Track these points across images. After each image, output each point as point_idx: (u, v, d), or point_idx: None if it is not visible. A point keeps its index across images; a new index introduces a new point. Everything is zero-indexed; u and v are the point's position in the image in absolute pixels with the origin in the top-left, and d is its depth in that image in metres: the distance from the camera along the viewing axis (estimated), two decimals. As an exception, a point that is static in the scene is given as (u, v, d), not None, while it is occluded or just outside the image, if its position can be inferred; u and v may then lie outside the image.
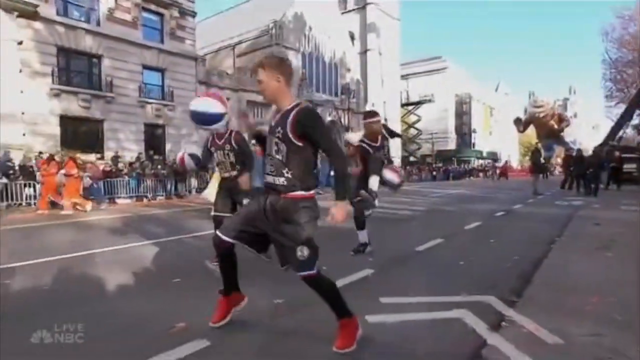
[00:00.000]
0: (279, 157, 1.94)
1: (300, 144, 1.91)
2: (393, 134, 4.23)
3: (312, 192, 1.99)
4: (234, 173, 3.65)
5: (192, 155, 3.86)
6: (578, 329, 2.21)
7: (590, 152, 15.51)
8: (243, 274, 2.72)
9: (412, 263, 3.83)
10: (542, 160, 13.41)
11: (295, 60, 25.92)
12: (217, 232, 2.11)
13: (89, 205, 9.83)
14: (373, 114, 4.15)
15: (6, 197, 10.49)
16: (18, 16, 13.71)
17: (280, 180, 1.94)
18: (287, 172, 1.93)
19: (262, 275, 3.08)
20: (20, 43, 13.85)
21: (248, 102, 22.77)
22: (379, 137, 4.10)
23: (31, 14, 13.99)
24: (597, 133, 59.18)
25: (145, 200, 13.21)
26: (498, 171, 29.63)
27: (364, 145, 4.09)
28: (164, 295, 2.95)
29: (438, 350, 2.01)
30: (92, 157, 13.00)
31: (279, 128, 1.94)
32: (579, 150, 14.17)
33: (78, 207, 9.70)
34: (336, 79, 29.95)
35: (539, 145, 13.13)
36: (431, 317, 2.43)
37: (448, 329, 2.27)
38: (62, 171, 9.81)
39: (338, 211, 1.92)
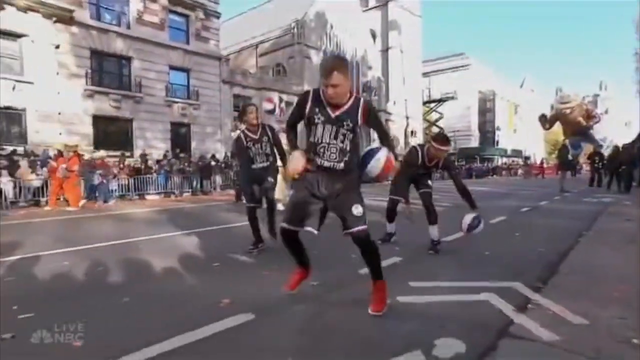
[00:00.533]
0: (343, 145, 2.24)
1: (359, 130, 2.28)
2: (446, 168, 4.09)
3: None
4: (268, 163, 3.96)
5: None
6: (603, 312, 2.29)
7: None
8: (282, 260, 2.93)
9: (438, 253, 3.94)
10: (570, 157, 13.10)
11: (316, 58, 26.12)
12: (282, 225, 2.35)
13: (80, 202, 9.64)
14: (446, 142, 3.89)
15: (46, 192, 11.12)
16: (55, 21, 14.45)
17: (340, 166, 2.25)
18: (346, 158, 2.25)
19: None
20: (57, 47, 14.59)
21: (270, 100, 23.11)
22: (435, 162, 3.96)
23: (67, 19, 14.72)
24: (630, 130, 56.80)
25: (172, 196, 13.70)
26: (535, 170, 27.96)
27: (420, 158, 3.97)
28: (206, 277, 3.19)
29: (467, 327, 2.14)
30: (102, 153, 12.87)
31: (348, 120, 2.21)
32: (616, 147, 13.70)
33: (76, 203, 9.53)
34: (358, 76, 29.97)
35: (567, 141, 12.83)
36: (459, 299, 2.56)
37: (476, 310, 2.40)
38: (63, 165, 9.57)
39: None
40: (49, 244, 4.58)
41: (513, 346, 1.90)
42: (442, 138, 3.93)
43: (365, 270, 3.21)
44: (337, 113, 2.22)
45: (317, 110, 2.23)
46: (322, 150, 2.25)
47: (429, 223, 3.98)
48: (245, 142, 3.94)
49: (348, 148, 2.24)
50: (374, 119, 2.33)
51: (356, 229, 2.23)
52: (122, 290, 2.80)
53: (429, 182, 4.13)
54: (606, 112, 74.62)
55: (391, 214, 4.31)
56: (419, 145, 4.21)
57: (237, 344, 2.00)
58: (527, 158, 27.73)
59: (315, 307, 2.49)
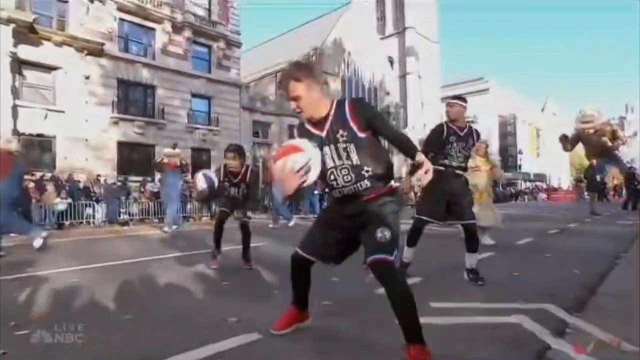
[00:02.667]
0: (350, 162, 1.79)
1: (366, 135, 1.78)
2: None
3: (392, 184, 1.87)
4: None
5: (205, 176, 3.98)
6: (655, 338, 2.01)
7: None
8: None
9: (462, 273, 3.68)
10: (598, 178, 12.50)
11: (334, 85, 26.57)
12: (297, 249, 2.03)
13: None
14: (456, 97, 3.46)
15: (70, 216, 11.36)
16: (87, 54, 15.29)
17: (364, 184, 1.79)
18: (367, 172, 1.79)
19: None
20: (87, 77, 15.37)
21: (289, 126, 23.47)
22: (467, 124, 3.38)
23: (98, 52, 15.55)
24: (661, 153, 54.42)
25: (191, 220, 13.76)
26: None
27: (450, 127, 3.31)
28: (214, 295, 3.06)
29: (497, 351, 1.91)
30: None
31: (340, 131, 1.78)
32: None
33: None
34: (376, 102, 30.22)
35: (594, 162, 12.27)
36: (486, 321, 2.32)
37: (505, 333, 2.15)
38: None
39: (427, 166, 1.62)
40: (62, 262, 4.57)
41: (552, 373, 1.66)
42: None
43: (382, 290, 3.01)
44: (324, 133, 1.82)
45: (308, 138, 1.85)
46: (337, 175, 1.82)
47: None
48: (221, 179, 4.07)
49: (361, 162, 1.77)
50: (373, 118, 1.79)
51: (373, 257, 1.71)
52: (128, 307, 2.69)
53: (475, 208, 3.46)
54: (634, 134, 72.06)
55: (414, 235, 3.45)
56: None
57: (241, 364, 1.84)
58: (579, 181, 26.36)
59: (325, 327, 2.29)
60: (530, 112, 50.14)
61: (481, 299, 2.78)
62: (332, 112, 1.82)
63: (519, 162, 44.93)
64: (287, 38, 33.20)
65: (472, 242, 3.28)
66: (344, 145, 1.78)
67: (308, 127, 1.89)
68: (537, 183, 44.05)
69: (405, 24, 34.79)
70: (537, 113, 52.66)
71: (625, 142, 12.12)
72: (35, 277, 3.81)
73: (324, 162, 1.82)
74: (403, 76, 34.20)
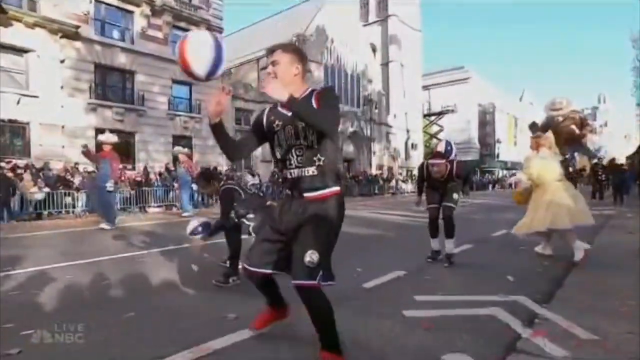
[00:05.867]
0: (307, 142, 1.80)
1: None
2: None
3: (337, 189, 1.85)
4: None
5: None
6: (612, 328, 2.26)
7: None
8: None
9: (443, 266, 3.92)
10: (571, 169, 13.05)
11: (317, 72, 26.42)
12: (245, 266, 2.00)
13: None
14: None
15: (48, 205, 11.12)
16: (61, 37, 14.68)
17: (311, 171, 1.81)
18: (318, 160, 1.80)
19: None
20: (62, 61, 14.80)
21: (272, 114, 23.34)
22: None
23: (73, 35, 14.95)
24: (629, 143, 57.01)
25: (174, 209, 13.67)
26: None
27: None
28: (213, 291, 3.17)
29: (474, 341, 2.12)
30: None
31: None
32: (613, 159, 13.74)
33: None
34: (358, 90, 30.28)
35: (567, 152, 12.79)
36: (465, 313, 2.54)
37: (482, 324, 2.38)
38: None
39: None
40: (53, 258, 4.56)
41: (522, 362, 1.88)
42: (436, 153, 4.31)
43: (370, 284, 3.21)
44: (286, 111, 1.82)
45: (272, 117, 1.91)
46: (287, 155, 1.85)
47: (446, 236, 4.03)
48: None
49: (315, 146, 1.79)
50: (322, 97, 1.81)
51: (299, 282, 1.75)
52: (127, 305, 2.78)
53: (455, 195, 4.18)
54: (605, 124, 74.98)
55: (431, 227, 4.22)
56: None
57: (242, 359, 1.98)
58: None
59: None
60: (509, 101, 51.31)
61: (460, 291, 3.01)
62: (303, 95, 1.84)
63: (497, 151, 46.20)
64: (269, 24, 32.60)
65: (446, 227, 4.07)
66: (304, 125, 1.78)
67: (279, 108, 1.89)
68: (514, 171, 45.48)
69: (388, 11, 34.70)
70: (515, 102, 53.94)
71: (593, 131, 12.60)
72: (29, 273, 3.82)
73: (284, 141, 1.85)
74: (385, 64, 34.27)
